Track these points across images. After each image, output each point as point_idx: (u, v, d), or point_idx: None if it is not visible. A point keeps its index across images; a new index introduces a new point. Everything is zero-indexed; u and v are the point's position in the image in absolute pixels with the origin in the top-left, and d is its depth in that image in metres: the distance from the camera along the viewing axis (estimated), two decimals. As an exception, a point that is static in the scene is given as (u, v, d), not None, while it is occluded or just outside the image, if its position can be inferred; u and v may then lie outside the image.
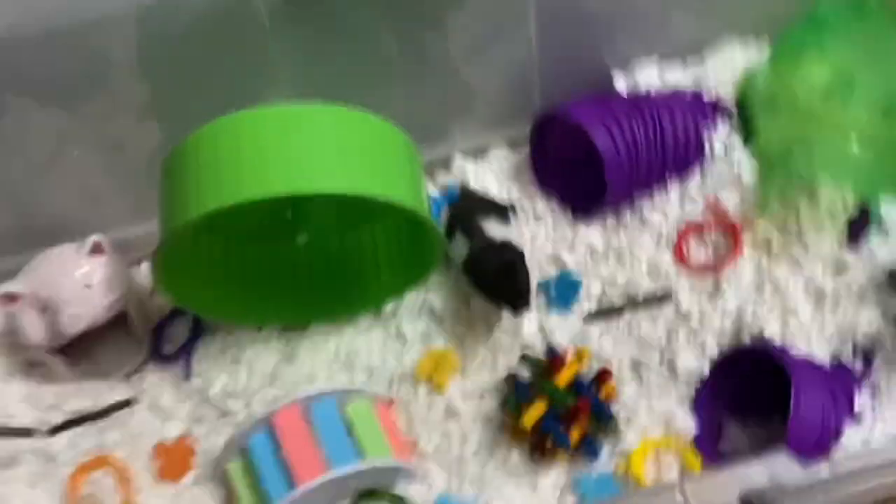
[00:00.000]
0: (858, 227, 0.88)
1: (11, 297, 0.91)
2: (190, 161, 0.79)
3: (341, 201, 0.97)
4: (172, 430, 0.93)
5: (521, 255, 0.88)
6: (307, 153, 0.77)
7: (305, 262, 1.00)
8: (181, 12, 0.90)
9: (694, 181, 0.96)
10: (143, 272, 1.04)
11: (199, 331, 0.98)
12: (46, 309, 0.90)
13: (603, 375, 0.86)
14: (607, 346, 0.91)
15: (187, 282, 0.92)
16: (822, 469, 0.48)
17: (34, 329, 0.91)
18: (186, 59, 0.94)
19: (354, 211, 0.98)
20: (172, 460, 0.91)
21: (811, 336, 0.84)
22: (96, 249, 0.92)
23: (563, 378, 0.85)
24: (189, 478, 0.90)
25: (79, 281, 0.91)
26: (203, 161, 0.78)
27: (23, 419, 0.94)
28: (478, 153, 1.06)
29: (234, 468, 0.87)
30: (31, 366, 0.99)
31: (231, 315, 0.95)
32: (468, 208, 0.94)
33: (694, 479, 0.48)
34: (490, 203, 0.96)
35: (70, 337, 0.91)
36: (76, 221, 0.99)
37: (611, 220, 0.98)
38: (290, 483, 0.82)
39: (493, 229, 0.90)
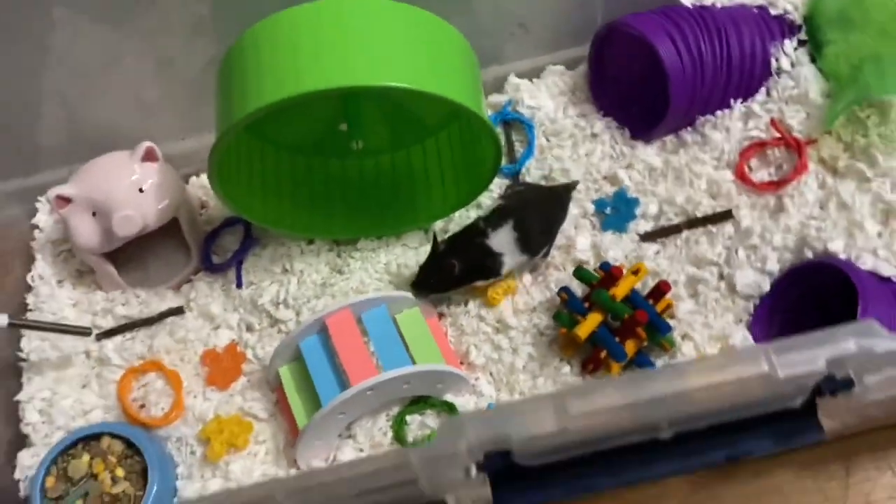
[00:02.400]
0: (930, 144, 0.86)
1: (63, 199, 0.91)
2: (248, 55, 0.78)
3: (395, 117, 0.95)
4: (222, 338, 0.93)
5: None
6: (366, 46, 0.75)
7: (357, 178, 0.99)
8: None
9: (759, 98, 0.93)
10: (194, 185, 1.04)
11: (249, 242, 0.98)
12: (98, 212, 0.90)
13: (661, 287, 0.84)
14: (664, 264, 0.89)
15: (242, 189, 0.91)
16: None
17: (86, 231, 0.91)
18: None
19: (408, 127, 0.97)
20: (222, 367, 0.91)
21: (878, 251, 0.82)
22: (149, 156, 0.92)
23: (619, 291, 0.83)
24: (239, 384, 0.90)
25: (131, 184, 0.90)
26: (260, 55, 0.77)
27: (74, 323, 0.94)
28: (532, 74, 1.04)
29: (286, 371, 0.87)
30: (82, 274, 0.99)
31: (283, 225, 0.95)
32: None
33: (780, 345, 0.46)
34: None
35: (121, 240, 0.91)
36: (128, 133, 0.98)
37: (670, 139, 0.96)
38: (342, 384, 0.82)
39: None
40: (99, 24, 0.95)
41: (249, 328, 0.93)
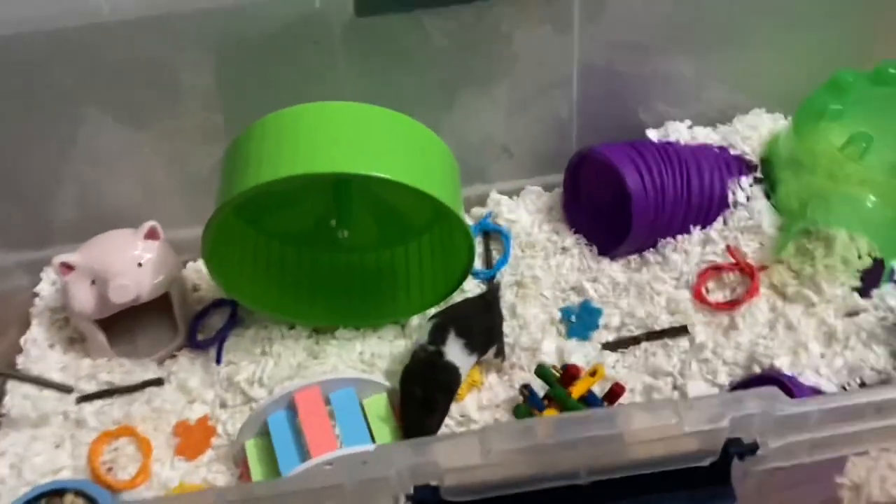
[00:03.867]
0: (871, 276, 0.92)
1: (67, 267, 0.97)
2: (251, 142, 0.87)
3: (382, 217, 1.03)
4: (196, 411, 0.97)
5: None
6: (358, 142, 0.84)
7: (343, 271, 1.06)
8: (252, 32, 0.99)
9: (716, 226, 1.01)
10: (191, 269, 1.11)
11: (233, 322, 1.03)
12: (97, 280, 0.96)
13: (615, 390, 0.88)
14: (622, 372, 0.94)
15: (233, 271, 0.98)
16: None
17: (83, 297, 0.97)
18: (253, 82, 1.03)
19: (394, 228, 1.04)
20: (192, 438, 0.94)
21: (820, 369, 0.87)
22: (151, 234, 0.99)
23: (576, 389, 0.88)
24: (206, 456, 0.93)
25: (131, 258, 0.97)
26: (263, 142, 0.86)
27: (58, 385, 0.99)
28: (513, 193, 1.13)
29: (252, 445, 0.90)
30: (73, 341, 1.04)
31: (268, 308, 1.01)
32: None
33: (689, 402, 0.51)
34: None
35: (115, 307, 0.96)
36: (135, 217, 1.05)
37: (634, 258, 1.03)
38: (303, 456, 0.85)
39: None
40: (122, 123, 1.04)
41: (223, 404, 0.97)
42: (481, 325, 0.93)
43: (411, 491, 0.51)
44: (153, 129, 1.05)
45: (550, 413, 0.86)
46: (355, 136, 0.85)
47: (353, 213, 1.00)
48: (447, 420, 0.93)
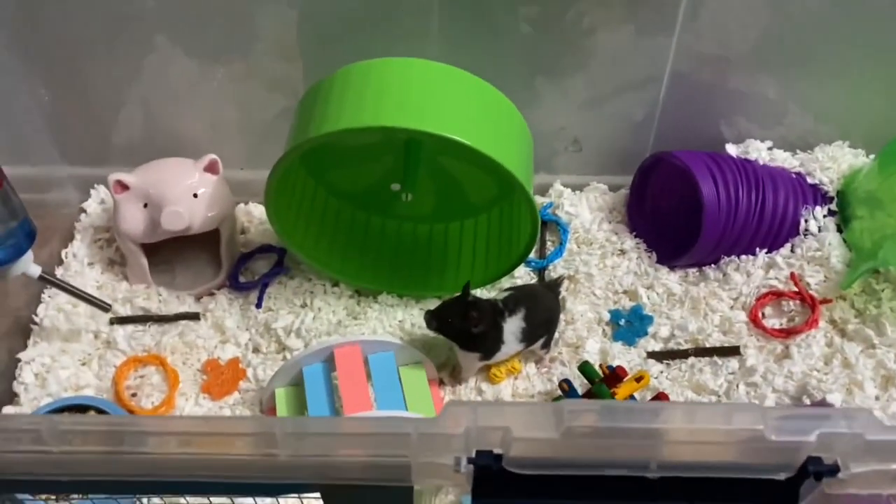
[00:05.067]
0: (937, 326, 0.90)
1: (122, 185, 0.96)
2: (335, 88, 0.85)
3: (444, 190, 1.01)
4: (228, 352, 0.95)
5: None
6: (442, 104, 0.82)
7: (395, 238, 1.04)
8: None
9: (783, 251, 0.99)
10: (241, 211, 1.09)
11: (278, 270, 1.02)
12: (150, 203, 0.95)
13: (660, 398, 0.86)
14: (666, 383, 0.92)
15: (289, 218, 0.97)
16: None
17: (133, 219, 0.96)
18: (339, 36, 1.01)
19: (454, 203, 1.02)
20: (221, 378, 0.93)
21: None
22: (211, 167, 0.98)
23: (620, 392, 0.86)
24: (232, 398, 0.92)
25: (188, 187, 0.96)
26: (347, 90, 0.84)
27: (96, 300, 0.97)
28: (577, 187, 1.11)
29: (282, 393, 0.88)
30: (113, 263, 1.03)
31: (316, 261, 0.99)
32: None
33: (777, 411, 0.49)
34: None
35: (164, 234, 0.95)
36: (195, 150, 1.04)
37: (693, 271, 1.00)
38: (334, 411, 0.83)
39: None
40: (195, 57, 1.03)
41: (256, 349, 0.95)
42: (543, 317, 0.91)
43: (473, 454, 0.49)
44: (225, 69, 1.04)
45: (590, 411, 0.84)
46: (441, 97, 0.83)
47: (418, 179, 0.98)
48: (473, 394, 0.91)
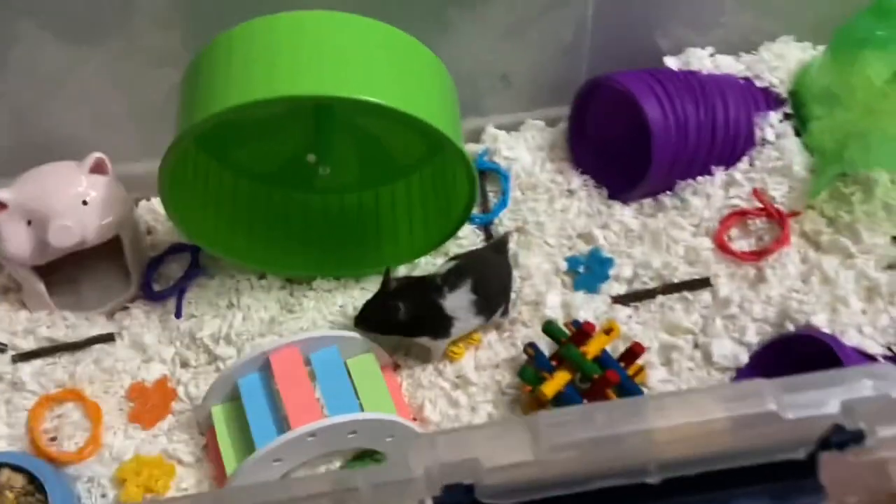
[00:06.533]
0: (915, 223, 0.83)
1: (-1, 204, 0.83)
2: (218, 58, 0.73)
3: (366, 153, 0.91)
4: (153, 372, 0.85)
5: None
6: (345, 60, 0.71)
7: (320, 214, 0.94)
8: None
9: (741, 166, 0.91)
10: (144, 209, 0.98)
11: (194, 272, 0.91)
12: (34, 220, 0.83)
13: (634, 349, 0.79)
14: (636, 329, 0.85)
15: (194, 212, 0.86)
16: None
17: (18, 240, 0.84)
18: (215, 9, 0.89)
19: (379, 166, 0.92)
20: (149, 403, 0.84)
21: (862, 328, 0.78)
22: (97, 168, 0.86)
23: (590, 349, 0.78)
24: (165, 423, 0.82)
25: (75, 195, 0.84)
26: (231, 59, 0.72)
27: (-9, 341, 0.86)
28: (511, 128, 1.01)
29: (219, 411, 0.79)
30: (7, 290, 0.91)
31: (235, 255, 0.89)
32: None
33: (787, 382, 0.41)
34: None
35: (56, 252, 0.84)
36: (80, 147, 0.91)
37: (648, 202, 0.92)
38: (281, 427, 0.74)
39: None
40: (63, 41, 0.90)
41: (184, 363, 0.86)
42: (496, 284, 0.82)
43: (439, 492, 0.40)
44: (101, 48, 0.91)
45: (562, 376, 0.76)
46: (342, 52, 0.72)
47: (336, 150, 0.87)
48: (441, 382, 0.83)
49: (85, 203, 0.84)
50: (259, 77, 0.69)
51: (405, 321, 0.79)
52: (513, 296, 0.86)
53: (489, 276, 0.81)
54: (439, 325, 0.80)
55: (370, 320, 0.81)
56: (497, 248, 0.86)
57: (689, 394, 0.53)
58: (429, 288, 0.80)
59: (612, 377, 0.75)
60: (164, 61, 0.91)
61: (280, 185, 0.93)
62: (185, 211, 0.84)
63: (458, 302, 0.79)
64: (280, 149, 0.89)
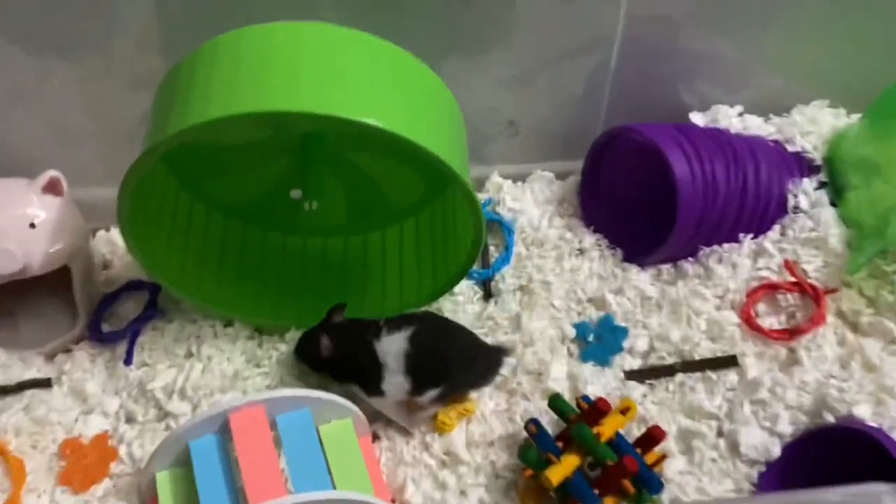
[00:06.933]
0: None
1: (-70, 223, 0.73)
2: (199, 68, 0.64)
3: (357, 192, 0.82)
4: (92, 426, 0.75)
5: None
6: (342, 78, 0.62)
7: (299, 258, 0.85)
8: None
9: (772, 235, 0.83)
10: (101, 240, 0.89)
11: (151, 313, 0.81)
12: (-28, 242, 0.72)
13: (654, 434, 0.68)
14: (652, 409, 0.75)
15: (157, 245, 0.76)
16: None
17: (-52, 264, 0.73)
18: (205, 17, 0.80)
19: (370, 208, 0.83)
20: (84, 463, 0.73)
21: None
22: (52, 187, 0.78)
23: (605, 429, 0.67)
24: (101, 488, 0.71)
25: (21, 216, 0.76)
26: (212, 70, 0.63)
27: None
28: (518, 178, 0.93)
29: (165, 478, 0.67)
30: (-67, 322, 0.80)
31: (199, 296, 0.78)
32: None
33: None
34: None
35: (-7, 279, 0.72)
36: (34, 165, 0.82)
37: (668, 268, 0.84)
38: (236, 501, 0.62)
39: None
40: (29, 53, 0.83)
41: (130, 418, 0.75)
42: (443, 359, 0.72)
43: None
44: (73, 64, 0.84)
45: (570, 460, 0.65)
46: (343, 70, 0.62)
47: (323, 183, 0.77)
48: (427, 458, 0.72)
49: (32, 226, 0.75)
50: (247, 89, 0.60)
51: (330, 358, 0.73)
52: (512, 361, 0.76)
53: (439, 340, 0.72)
54: (369, 370, 0.71)
55: (298, 351, 0.77)
56: (479, 344, 0.75)
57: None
58: (368, 327, 0.73)
59: (631, 465, 0.64)
60: (140, 84, 0.83)
61: (258, 223, 0.83)
62: (146, 242, 0.73)
63: (389, 347, 0.71)
64: (260, 181, 0.80)
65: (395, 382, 0.71)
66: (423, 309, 0.79)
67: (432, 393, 0.72)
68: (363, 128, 0.59)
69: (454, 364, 0.72)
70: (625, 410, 0.70)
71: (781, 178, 0.83)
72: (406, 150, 0.62)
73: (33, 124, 0.87)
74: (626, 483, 0.65)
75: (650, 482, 0.66)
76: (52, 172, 0.77)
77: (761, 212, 0.82)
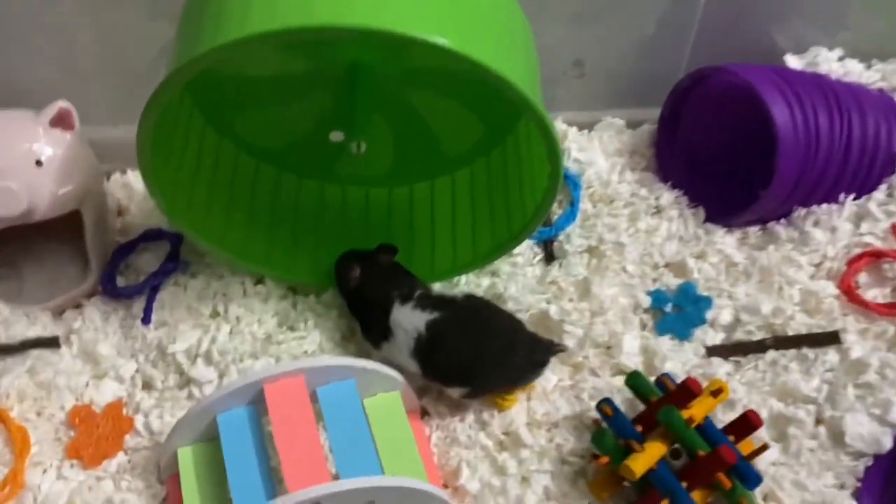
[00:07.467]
0: None
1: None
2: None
3: (406, 137, 0.72)
4: (105, 393, 0.69)
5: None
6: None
7: (339, 210, 0.76)
8: None
9: (877, 195, 0.74)
10: (116, 183, 0.82)
11: (172, 266, 0.74)
12: (-30, 180, 0.65)
13: (750, 420, 0.60)
14: (739, 390, 0.66)
15: (181, 189, 0.68)
16: None
17: (-56, 204, 0.65)
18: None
19: (419, 156, 0.74)
20: (96, 433, 0.67)
21: None
22: (61, 121, 0.70)
23: (696, 411, 0.59)
24: (114, 463, 0.64)
25: (26, 152, 0.68)
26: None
27: None
28: (585, 126, 0.84)
29: (188, 455, 0.61)
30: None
31: (227, 248, 0.70)
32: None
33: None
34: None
35: (-5, 222, 0.65)
36: (42, 98, 0.74)
37: (755, 230, 0.75)
38: (270, 488, 0.54)
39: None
40: None
41: (148, 385, 0.68)
42: (471, 353, 0.63)
43: None
44: None
45: (655, 447, 0.57)
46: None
47: (368, 124, 0.68)
48: (484, 438, 0.63)
49: (39, 163, 0.68)
50: (290, 2, 0.50)
51: (351, 290, 0.69)
52: (580, 332, 0.67)
53: (454, 343, 0.63)
54: (374, 328, 0.66)
55: (337, 264, 0.71)
56: (529, 335, 0.66)
57: None
58: (402, 287, 0.67)
59: (728, 456, 0.56)
60: (160, 13, 0.76)
61: (293, 169, 0.75)
62: (168, 185, 0.65)
63: (403, 319, 0.65)
64: (297, 121, 0.72)
65: (397, 354, 0.65)
66: (467, 292, 0.70)
67: (459, 390, 0.64)
68: (430, 49, 0.50)
69: (478, 365, 0.63)
70: (716, 392, 0.61)
71: (891, 131, 0.73)
72: (472, 83, 0.52)
73: (38, 56, 0.78)
74: (722, 476, 0.57)
75: (747, 475, 0.58)
76: (62, 103, 0.69)
77: (866, 169, 0.73)
